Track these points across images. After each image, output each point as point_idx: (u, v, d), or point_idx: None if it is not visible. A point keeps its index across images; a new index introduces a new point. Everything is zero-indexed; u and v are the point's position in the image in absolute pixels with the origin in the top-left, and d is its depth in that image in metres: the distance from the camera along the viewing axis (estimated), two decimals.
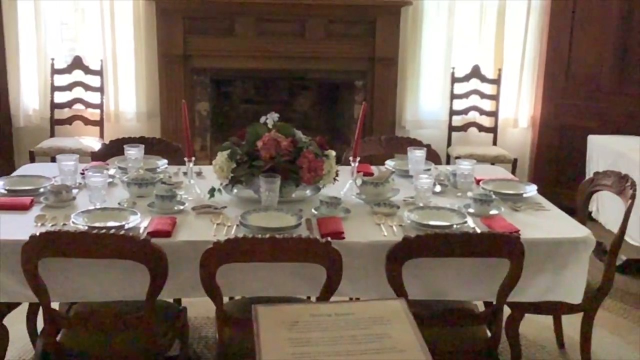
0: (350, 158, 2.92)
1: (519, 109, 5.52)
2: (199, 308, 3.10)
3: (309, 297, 2.58)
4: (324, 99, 5.93)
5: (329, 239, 2.18)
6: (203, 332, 3.24)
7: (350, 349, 1.25)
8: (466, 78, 5.36)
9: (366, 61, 5.32)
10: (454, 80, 5.36)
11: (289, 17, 5.17)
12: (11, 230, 2.31)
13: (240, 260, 2.16)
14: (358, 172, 2.92)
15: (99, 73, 5.12)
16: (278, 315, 1.33)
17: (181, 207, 2.57)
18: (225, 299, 2.27)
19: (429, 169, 3.09)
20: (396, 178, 3.06)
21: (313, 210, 2.58)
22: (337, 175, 2.79)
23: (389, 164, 3.29)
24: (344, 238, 2.33)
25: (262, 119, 2.78)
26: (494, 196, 2.71)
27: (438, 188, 2.91)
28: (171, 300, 2.70)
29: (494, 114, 5.41)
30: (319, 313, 1.36)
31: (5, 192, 2.69)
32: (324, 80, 5.69)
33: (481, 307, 2.74)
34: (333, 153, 2.79)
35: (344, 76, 5.49)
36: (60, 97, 5.15)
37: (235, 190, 2.75)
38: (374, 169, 3.25)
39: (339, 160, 2.99)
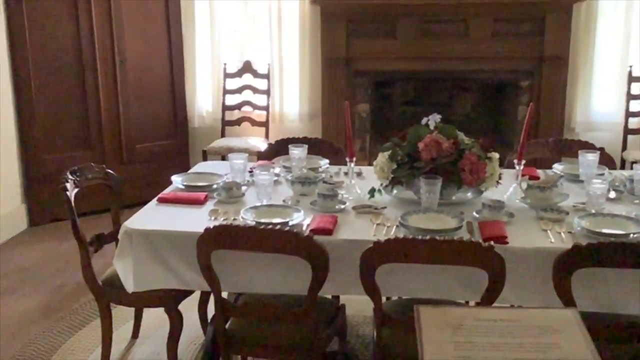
0: (515, 161, 2.82)
1: None
2: (356, 306, 3.13)
3: (467, 302, 2.52)
4: (486, 100, 5.77)
5: (492, 243, 2.11)
6: (360, 331, 3.27)
7: (517, 356, 1.20)
8: None
9: (533, 60, 5.11)
10: (632, 79, 4.98)
11: (453, 17, 5.09)
12: (188, 223, 2.49)
13: (400, 261, 2.15)
14: (523, 175, 2.81)
15: (266, 76, 5.38)
16: (441, 317, 1.31)
17: (342, 207, 2.62)
18: (383, 299, 2.28)
19: (602, 174, 2.90)
20: (565, 182, 2.91)
21: (475, 214, 2.52)
22: (500, 178, 2.71)
23: (557, 167, 3.14)
24: (507, 243, 2.25)
25: (424, 120, 2.76)
26: None
27: (613, 194, 2.72)
28: (329, 297, 2.77)
29: None
30: (484, 318, 1.32)
31: (183, 187, 2.91)
32: (487, 81, 5.53)
33: None
34: (496, 155, 2.71)
35: (509, 76, 5.30)
36: (231, 100, 5.48)
37: (395, 191, 2.75)
38: (540, 172, 3.11)
39: (502, 163, 2.89)
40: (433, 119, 2.73)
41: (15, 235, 4.63)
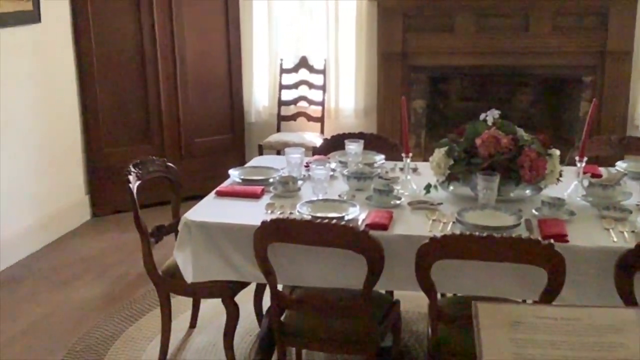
0: (576, 158, 2.76)
1: None
2: (410, 302, 3.13)
3: (524, 301, 2.49)
4: (545, 96, 5.64)
5: (552, 241, 2.08)
6: (414, 327, 3.26)
7: (578, 355, 1.18)
8: None
9: (596, 55, 4.96)
10: None
11: (512, 11, 5.00)
12: (245, 216, 2.53)
13: (456, 257, 2.14)
14: (585, 172, 2.75)
15: (322, 72, 5.39)
16: (499, 314, 1.30)
17: (397, 202, 2.62)
18: (437, 296, 2.27)
19: None
20: (628, 181, 2.83)
21: (534, 211, 2.48)
22: (561, 175, 2.66)
23: (620, 165, 3.05)
24: (567, 241, 2.21)
25: (482, 116, 2.72)
26: None
27: None
28: (384, 292, 2.77)
29: None
30: (544, 316, 1.30)
31: (241, 181, 2.96)
32: (547, 76, 5.40)
33: None
34: (557, 152, 2.66)
35: (570, 71, 5.17)
36: (287, 95, 5.52)
37: (451, 187, 2.73)
38: (602, 170, 3.03)
39: (563, 160, 2.83)
40: (491, 115, 2.70)
41: (79, 225, 4.80)
